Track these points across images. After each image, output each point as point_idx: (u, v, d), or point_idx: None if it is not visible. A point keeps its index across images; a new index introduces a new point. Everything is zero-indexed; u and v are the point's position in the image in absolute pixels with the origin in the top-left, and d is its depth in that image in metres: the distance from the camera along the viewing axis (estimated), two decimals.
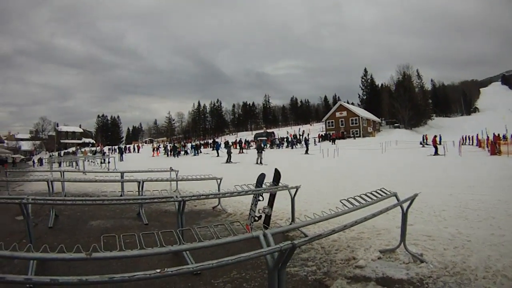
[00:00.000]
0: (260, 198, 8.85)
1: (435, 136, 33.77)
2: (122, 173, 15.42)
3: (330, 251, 6.88)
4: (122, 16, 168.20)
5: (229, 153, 34.43)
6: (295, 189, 8.79)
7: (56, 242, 7.96)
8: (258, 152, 32.48)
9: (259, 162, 31.18)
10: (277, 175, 9.23)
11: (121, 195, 13.66)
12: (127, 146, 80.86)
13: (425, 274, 5.55)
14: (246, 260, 3.54)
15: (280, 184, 9.10)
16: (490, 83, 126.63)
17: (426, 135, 54.28)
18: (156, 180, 12.83)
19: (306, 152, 39.25)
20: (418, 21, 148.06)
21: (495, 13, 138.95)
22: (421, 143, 47.39)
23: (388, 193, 6.38)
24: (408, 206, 6.24)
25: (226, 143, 45.08)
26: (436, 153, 31.99)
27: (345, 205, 5.66)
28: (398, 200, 6.23)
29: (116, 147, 79.83)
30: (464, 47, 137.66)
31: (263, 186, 9.00)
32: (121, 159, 47.80)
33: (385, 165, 23.44)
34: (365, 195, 6.01)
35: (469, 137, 52.88)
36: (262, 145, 36.85)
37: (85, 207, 11.95)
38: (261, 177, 9.25)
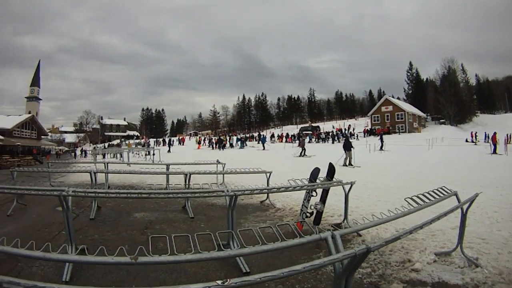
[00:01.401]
0: (314, 193, 8.53)
1: (495, 133, 31.88)
2: (167, 165, 15.27)
3: (384, 252, 6.54)
4: (162, 11, 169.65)
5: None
6: (349, 185, 8.32)
7: (96, 234, 7.88)
8: (302, 147, 33.78)
9: (302, 154, 32.20)
10: (331, 169, 8.79)
11: (166, 188, 13.59)
12: (172, 138, 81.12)
13: (480, 280, 5.29)
14: (318, 268, 3.14)
15: (334, 179, 8.66)
16: None
17: (473, 132, 53.03)
18: (203, 173, 12.74)
19: (381, 148, 36.12)
20: (461, 13, 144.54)
21: None
22: (467, 140, 46.14)
23: (449, 192, 5.97)
24: (468, 207, 5.86)
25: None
26: (494, 151, 30.36)
27: (407, 205, 5.29)
28: (458, 200, 5.93)
29: (162, 139, 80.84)
30: (509, 41, 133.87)
31: (317, 180, 8.55)
32: (169, 151, 48.34)
33: (436, 162, 22.76)
34: (423, 195, 5.58)
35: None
36: (305, 141, 37.30)
37: (129, 199, 11.68)
38: (315, 171, 8.84)
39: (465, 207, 5.79)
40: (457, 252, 6.01)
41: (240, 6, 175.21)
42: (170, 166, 15.33)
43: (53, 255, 3.27)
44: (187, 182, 11.52)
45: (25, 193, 7.45)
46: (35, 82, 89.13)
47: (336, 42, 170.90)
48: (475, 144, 42.70)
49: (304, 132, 67.36)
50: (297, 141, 54.34)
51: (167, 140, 70.65)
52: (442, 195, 5.77)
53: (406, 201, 5.30)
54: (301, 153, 32.72)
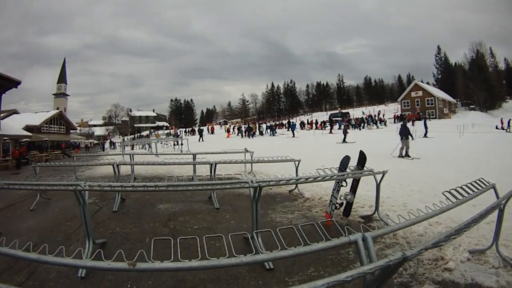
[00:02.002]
0: (344, 183, 8.17)
1: None
2: (194, 155, 15.06)
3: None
4: (186, 3, 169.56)
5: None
6: (381, 175, 7.92)
7: (118, 227, 7.72)
8: (344, 133, 33.26)
9: (344, 141, 31.62)
10: (362, 158, 8.39)
11: (192, 178, 13.45)
12: (202, 128, 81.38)
13: None
14: (345, 282, 2.77)
15: (365, 168, 8.27)
16: None
17: (503, 118, 52.09)
18: (229, 162, 12.51)
19: (425, 135, 34.56)
20: None
21: None
22: (497, 127, 45.14)
23: (487, 184, 5.60)
24: (506, 202, 5.33)
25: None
26: None
27: (446, 199, 4.86)
28: (496, 193, 5.66)
29: (190, 129, 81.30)
30: None
31: (347, 170, 8.18)
32: (202, 140, 48.39)
33: (470, 150, 22.07)
34: (461, 188, 5.16)
35: None
36: (347, 128, 36.06)
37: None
38: (345, 159, 8.48)
39: (503, 202, 5.30)
40: (492, 250, 5.65)
41: None
42: (197, 155, 15.13)
43: (49, 257, 3.24)
44: (212, 172, 11.26)
45: (40, 188, 7.39)
46: (62, 79, 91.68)
47: (363, 26, 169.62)
48: (506, 131, 41.65)
49: (334, 119, 67.06)
50: (327, 128, 54.19)
51: (196, 129, 70.70)
52: (480, 188, 5.39)
53: (444, 195, 4.89)
54: (344, 140, 32.32)
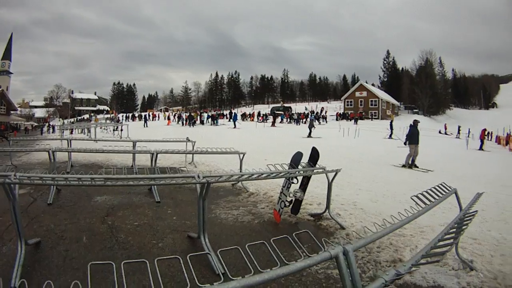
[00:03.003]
0: (294, 180, 7.71)
1: (484, 130, 31.65)
2: (134, 143, 14.33)
3: (371, 248, 5.95)
4: None
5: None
6: (333, 173, 7.52)
7: (53, 224, 6.95)
8: (309, 127, 33.36)
9: (309, 136, 31.93)
10: (314, 154, 8.02)
11: (132, 167, 13.11)
12: (146, 114, 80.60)
13: (476, 284, 4.89)
14: None
15: (317, 165, 7.89)
16: (511, 80, 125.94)
17: (446, 124, 54.65)
18: (172, 152, 11.98)
19: (390, 136, 35.05)
20: (442, 7, 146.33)
21: None
22: (440, 132, 46.54)
23: (449, 189, 5.44)
24: (468, 207, 5.21)
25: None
26: (481, 147, 31.13)
27: (415, 207, 4.47)
28: (457, 198, 5.58)
29: (131, 114, 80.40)
30: (488, 40, 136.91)
31: (299, 166, 7.78)
32: (146, 125, 49.70)
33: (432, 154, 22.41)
34: (426, 192, 4.90)
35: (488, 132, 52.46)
36: (313, 123, 36.15)
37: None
38: (297, 156, 8.02)
39: (465, 208, 5.19)
40: (450, 253, 5.46)
41: None
42: (137, 143, 14.40)
43: None
44: (153, 162, 10.74)
45: None
46: (7, 55, 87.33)
47: (313, 25, 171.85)
48: (457, 138, 43.88)
49: (276, 112, 67.44)
50: (269, 120, 54.41)
51: (143, 114, 70.14)
52: (443, 193, 5.19)
53: (412, 199, 4.62)
54: (309, 134, 32.48)
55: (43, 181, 5.03)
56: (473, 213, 4.77)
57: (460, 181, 12.02)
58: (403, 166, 15.75)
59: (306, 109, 76.42)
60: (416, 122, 17.11)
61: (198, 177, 5.46)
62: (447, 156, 16.14)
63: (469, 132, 47.88)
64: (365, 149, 22.60)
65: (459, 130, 49.37)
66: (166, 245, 5.71)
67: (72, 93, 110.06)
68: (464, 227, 4.43)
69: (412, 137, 16.36)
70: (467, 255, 5.57)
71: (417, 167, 15.60)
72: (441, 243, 3.83)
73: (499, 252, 5.80)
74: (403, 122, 55.52)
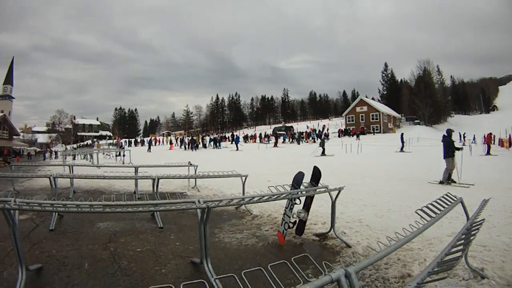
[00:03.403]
0: (297, 201, 7.59)
1: (490, 134, 31.35)
2: (136, 168, 14.36)
3: (379, 265, 5.74)
4: (136, 11, 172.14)
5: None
6: (337, 191, 7.38)
7: (54, 250, 6.85)
8: (321, 146, 33.31)
9: (323, 153, 31.98)
10: (316, 174, 7.86)
11: (134, 193, 13.02)
12: (151, 139, 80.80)
13: None
14: None
15: (319, 184, 7.74)
16: (510, 81, 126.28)
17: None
18: (173, 177, 11.74)
19: (402, 149, 34.73)
20: (436, 16, 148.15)
21: None
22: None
23: (454, 199, 5.30)
24: (475, 216, 5.08)
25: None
26: (488, 152, 30.61)
27: (420, 220, 4.36)
28: (464, 207, 5.40)
29: (134, 140, 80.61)
30: (483, 43, 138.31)
31: (301, 187, 7.64)
32: (150, 150, 50.34)
33: (419, 164, 22.25)
34: (431, 204, 4.77)
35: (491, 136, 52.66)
36: (325, 141, 36.10)
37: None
38: (299, 176, 7.88)
39: (472, 217, 5.05)
40: (460, 263, 5.23)
41: (213, 6, 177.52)
42: (139, 168, 14.49)
43: None
44: (155, 188, 10.63)
45: None
46: (9, 80, 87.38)
47: (309, 43, 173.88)
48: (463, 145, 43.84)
49: (278, 132, 67.44)
50: (271, 141, 54.54)
51: (147, 139, 70.49)
52: (449, 203, 5.07)
53: (417, 213, 4.51)
54: (323, 152, 32.52)
55: (42, 207, 4.95)
56: (480, 222, 4.66)
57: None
58: (441, 182, 14.26)
59: (307, 127, 76.55)
60: (450, 132, 15.49)
61: (199, 202, 5.38)
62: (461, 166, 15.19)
63: (474, 138, 48.18)
64: (383, 164, 22.40)
65: (464, 137, 49.45)
66: (169, 271, 5.60)
67: (74, 118, 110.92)
68: (472, 237, 4.29)
69: (448, 150, 14.72)
70: (477, 264, 5.44)
71: (455, 182, 14.18)
72: (448, 257, 3.73)
73: (510, 257, 5.69)
74: (405, 134, 55.94)
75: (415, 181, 14.38)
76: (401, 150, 34.17)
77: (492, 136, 35.26)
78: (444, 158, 14.67)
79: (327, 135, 49.60)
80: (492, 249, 6.03)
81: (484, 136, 44.21)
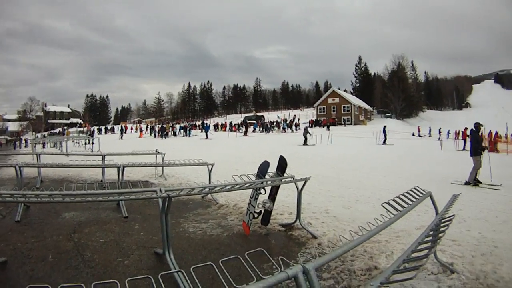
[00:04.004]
0: (262, 191, 7.58)
1: (466, 129, 31.23)
2: (103, 156, 14.11)
3: (345, 257, 5.71)
4: None
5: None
6: (303, 182, 7.40)
7: (20, 242, 6.69)
8: (304, 135, 33.55)
9: (304, 143, 32.25)
10: (282, 163, 7.86)
11: (101, 181, 12.99)
12: (116, 126, 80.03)
13: (458, 287, 4.75)
14: None
15: (285, 174, 7.71)
16: (483, 80, 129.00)
17: (419, 126, 55.88)
18: (138, 166, 11.82)
19: (384, 142, 35.59)
20: (413, 12, 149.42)
21: (492, 12, 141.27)
22: (413, 134, 47.09)
23: (423, 193, 5.34)
24: (445, 211, 5.22)
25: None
26: (464, 148, 30.15)
27: (386, 213, 4.34)
28: (433, 201, 5.49)
29: (104, 127, 79.82)
30: (460, 43, 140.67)
31: (266, 176, 7.63)
32: (121, 138, 50.85)
33: (389, 156, 22.61)
34: (398, 197, 4.75)
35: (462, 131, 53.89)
36: (308, 130, 35.80)
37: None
38: (264, 165, 7.83)
39: (441, 212, 5.17)
40: (429, 257, 5.26)
41: None
42: (106, 156, 14.32)
43: None
44: (120, 176, 10.53)
45: None
46: None
47: (284, 33, 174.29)
48: (420, 137, 44.64)
49: (249, 121, 67.50)
50: (241, 130, 54.55)
51: (119, 127, 69.96)
52: (417, 197, 5.11)
53: (383, 206, 4.45)
54: (305, 142, 32.61)
55: (3, 197, 4.81)
56: (450, 218, 4.66)
57: None
58: (467, 183, 13.01)
59: (278, 117, 76.63)
60: (479, 126, 12.93)
61: (160, 191, 5.31)
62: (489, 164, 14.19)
63: (448, 133, 49.13)
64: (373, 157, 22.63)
65: (439, 131, 51.13)
66: (132, 263, 5.52)
67: (46, 106, 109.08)
68: (441, 234, 4.23)
69: (478, 145, 13.30)
70: (447, 258, 5.50)
71: (481, 182, 12.95)
72: (415, 254, 3.69)
73: (480, 252, 5.78)
74: (376, 126, 56.42)
75: (434, 182, 13.03)
76: (384, 142, 34.53)
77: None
78: (471, 156, 13.47)
79: (289, 125, 49.96)
80: (462, 244, 6.14)
81: (457, 131, 45.07)
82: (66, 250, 6.18)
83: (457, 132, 48.00)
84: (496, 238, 6.53)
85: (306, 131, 34.56)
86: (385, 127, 37.69)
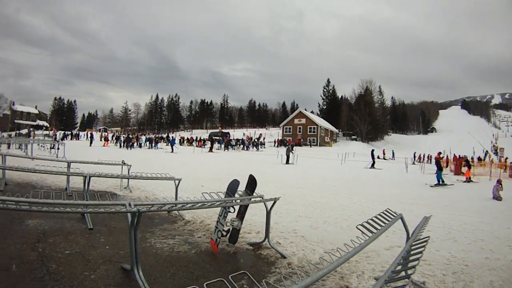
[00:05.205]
0: (231, 209, 7.39)
1: (440, 153, 31.60)
2: (69, 164, 13.77)
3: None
4: None
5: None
6: (272, 202, 7.34)
7: None
8: (287, 154, 31.82)
9: (287, 162, 30.63)
10: (252, 183, 7.72)
11: (65, 189, 12.70)
12: (81, 133, 78.95)
13: None
14: None
15: (254, 193, 7.59)
16: (450, 106, 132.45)
17: (384, 149, 57.23)
18: (105, 176, 11.39)
19: (373, 166, 33.84)
20: (382, 39, 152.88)
21: (460, 41, 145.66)
22: (378, 157, 47.84)
23: (394, 215, 5.62)
24: (417, 234, 5.26)
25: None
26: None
27: (361, 235, 4.35)
28: (405, 225, 5.78)
29: (70, 132, 78.70)
30: (428, 70, 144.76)
31: (236, 195, 7.44)
32: (90, 145, 49.89)
33: (356, 177, 22.76)
34: (372, 220, 4.88)
35: (427, 155, 54.99)
36: (291, 148, 33.90)
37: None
38: (234, 184, 7.70)
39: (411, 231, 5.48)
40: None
41: (161, 4, 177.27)
42: (71, 164, 13.83)
43: None
44: (86, 186, 10.16)
45: None
46: None
47: (253, 52, 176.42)
48: (385, 160, 45.50)
49: (214, 137, 67.57)
50: (207, 146, 54.74)
51: (88, 133, 68.79)
52: (389, 219, 5.22)
53: (358, 228, 4.53)
54: (287, 161, 31.40)
55: None
56: (424, 240, 4.63)
57: None
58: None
59: (244, 135, 77.06)
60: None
61: (129, 205, 5.07)
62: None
63: (414, 156, 50.37)
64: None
65: (393, 154, 51.88)
66: (99, 278, 5.28)
67: (13, 104, 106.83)
68: (415, 262, 3.95)
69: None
70: (418, 277, 5.61)
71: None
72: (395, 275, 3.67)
73: (451, 271, 5.99)
74: (341, 148, 57.14)
75: (399, 203, 13.46)
76: (372, 166, 33.88)
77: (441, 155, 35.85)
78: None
79: (255, 144, 50.16)
80: (432, 263, 6.32)
81: (420, 155, 46.05)
82: (30, 260, 5.92)
83: (421, 156, 48.94)
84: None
85: (289, 150, 33.14)
86: (373, 150, 37.43)
